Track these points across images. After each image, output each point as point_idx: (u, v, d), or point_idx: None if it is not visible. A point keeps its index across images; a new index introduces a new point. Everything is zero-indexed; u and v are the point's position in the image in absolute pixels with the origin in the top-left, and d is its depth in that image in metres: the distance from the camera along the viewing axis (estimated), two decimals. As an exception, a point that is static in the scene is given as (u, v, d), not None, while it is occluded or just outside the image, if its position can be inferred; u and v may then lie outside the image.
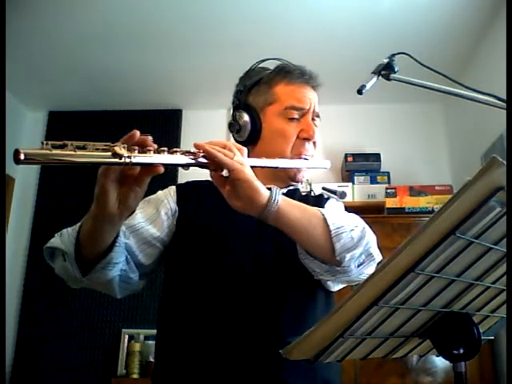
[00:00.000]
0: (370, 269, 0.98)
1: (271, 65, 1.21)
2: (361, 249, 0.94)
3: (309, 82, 1.16)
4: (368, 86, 1.23)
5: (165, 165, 0.82)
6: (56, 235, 0.96)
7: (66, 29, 2.73)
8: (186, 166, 0.86)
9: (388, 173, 3.13)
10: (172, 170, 3.32)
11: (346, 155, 3.16)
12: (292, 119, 1.13)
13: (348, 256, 0.92)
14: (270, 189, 0.89)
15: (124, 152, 0.76)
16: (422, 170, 3.26)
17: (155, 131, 3.14)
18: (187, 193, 1.17)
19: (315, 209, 0.97)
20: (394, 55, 1.26)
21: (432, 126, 3.40)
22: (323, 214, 0.95)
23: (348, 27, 2.69)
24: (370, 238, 0.97)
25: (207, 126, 3.35)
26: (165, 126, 3.45)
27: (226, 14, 2.62)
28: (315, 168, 1.16)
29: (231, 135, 1.20)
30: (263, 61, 1.21)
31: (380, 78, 1.24)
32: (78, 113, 3.51)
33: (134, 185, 0.83)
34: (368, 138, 3.33)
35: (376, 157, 3.16)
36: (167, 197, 1.14)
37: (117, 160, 0.76)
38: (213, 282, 1.06)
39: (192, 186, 1.22)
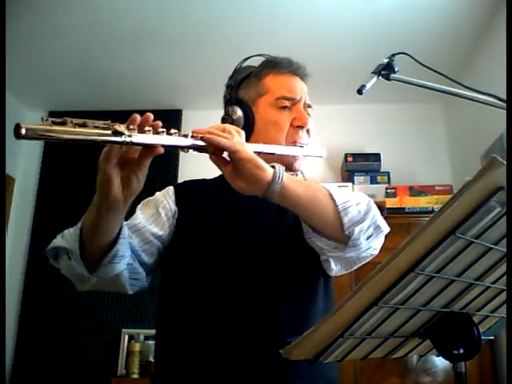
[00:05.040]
0: (379, 241, 0.98)
1: (257, 62, 1.21)
2: (368, 221, 0.94)
3: (297, 71, 1.17)
4: (368, 86, 1.23)
5: (165, 146, 0.83)
6: (58, 236, 0.96)
7: (66, 28, 2.72)
8: (186, 148, 0.86)
9: (388, 173, 3.13)
10: (171, 168, 3.33)
11: (346, 155, 3.16)
12: (284, 108, 1.13)
13: (357, 229, 0.92)
14: (273, 167, 0.88)
15: (124, 130, 0.76)
16: (422, 170, 3.26)
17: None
18: (185, 192, 1.18)
19: (319, 185, 0.97)
20: (394, 55, 1.26)
21: (432, 126, 3.40)
22: (328, 190, 0.95)
23: (348, 27, 2.69)
24: (376, 211, 0.98)
25: (207, 126, 3.33)
26: (165, 126, 3.44)
27: (225, 14, 2.62)
28: (311, 156, 1.15)
29: None
30: (248, 58, 1.22)
31: (380, 77, 1.24)
32: (78, 113, 3.50)
33: (136, 168, 0.84)
34: (368, 138, 3.33)
35: (376, 157, 3.16)
36: (166, 198, 1.15)
37: (117, 138, 0.76)
38: (215, 278, 1.06)
39: (189, 186, 1.23)
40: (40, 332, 3.13)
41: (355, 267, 1.04)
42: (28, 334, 3.15)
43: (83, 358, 3.08)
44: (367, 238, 0.95)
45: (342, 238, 0.94)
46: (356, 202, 0.95)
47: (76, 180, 3.37)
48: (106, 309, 3.16)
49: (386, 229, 0.99)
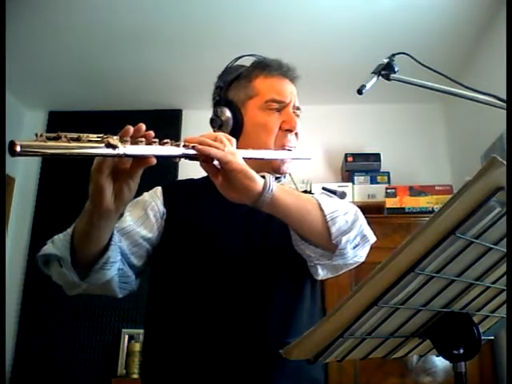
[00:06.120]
0: (365, 250, 1.01)
1: (248, 62, 1.21)
2: (356, 231, 0.96)
3: (287, 74, 1.17)
4: (368, 86, 1.23)
5: (157, 156, 0.84)
6: (48, 242, 0.97)
7: (66, 28, 2.72)
8: (178, 158, 0.87)
9: (388, 173, 3.13)
10: (171, 168, 3.32)
11: (346, 155, 3.16)
12: (273, 112, 1.13)
13: (344, 239, 0.94)
14: (263, 177, 0.89)
15: (117, 143, 0.78)
16: (422, 170, 3.26)
17: (155, 131, 3.11)
18: (173, 193, 1.17)
19: (308, 195, 0.99)
20: (394, 55, 1.26)
21: (432, 126, 3.40)
22: (317, 200, 0.97)
23: (348, 27, 2.69)
24: (363, 221, 1.00)
25: (207, 125, 3.32)
26: (165, 126, 3.43)
27: (225, 14, 2.62)
28: (300, 159, 1.16)
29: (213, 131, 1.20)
30: (240, 58, 1.22)
31: (380, 77, 1.25)
32: (78, 113, 3.50)
33: (128, 178, 0.85)
34: (368, 138, 3.32)
35: (376, 157, 3.16)
36: (154, 199, 1.15)
37: (111, 151, 0.77)
38: (203, 280, 1.06)
39: (177, 186, 1.23)
40: (40, 332, 3.13)
41: (341, 272, 1.06)
42: (28, 334, 3.14)
43: (83, 358, 3.08)
44: (354, 248, 0.97)
45: (330, 246, 0.96)
46: (344, 211, 0.97)
47: (76, 180, 3.36)
48: (105, 309, 3.16)
49: (372, 238, 1.01)
